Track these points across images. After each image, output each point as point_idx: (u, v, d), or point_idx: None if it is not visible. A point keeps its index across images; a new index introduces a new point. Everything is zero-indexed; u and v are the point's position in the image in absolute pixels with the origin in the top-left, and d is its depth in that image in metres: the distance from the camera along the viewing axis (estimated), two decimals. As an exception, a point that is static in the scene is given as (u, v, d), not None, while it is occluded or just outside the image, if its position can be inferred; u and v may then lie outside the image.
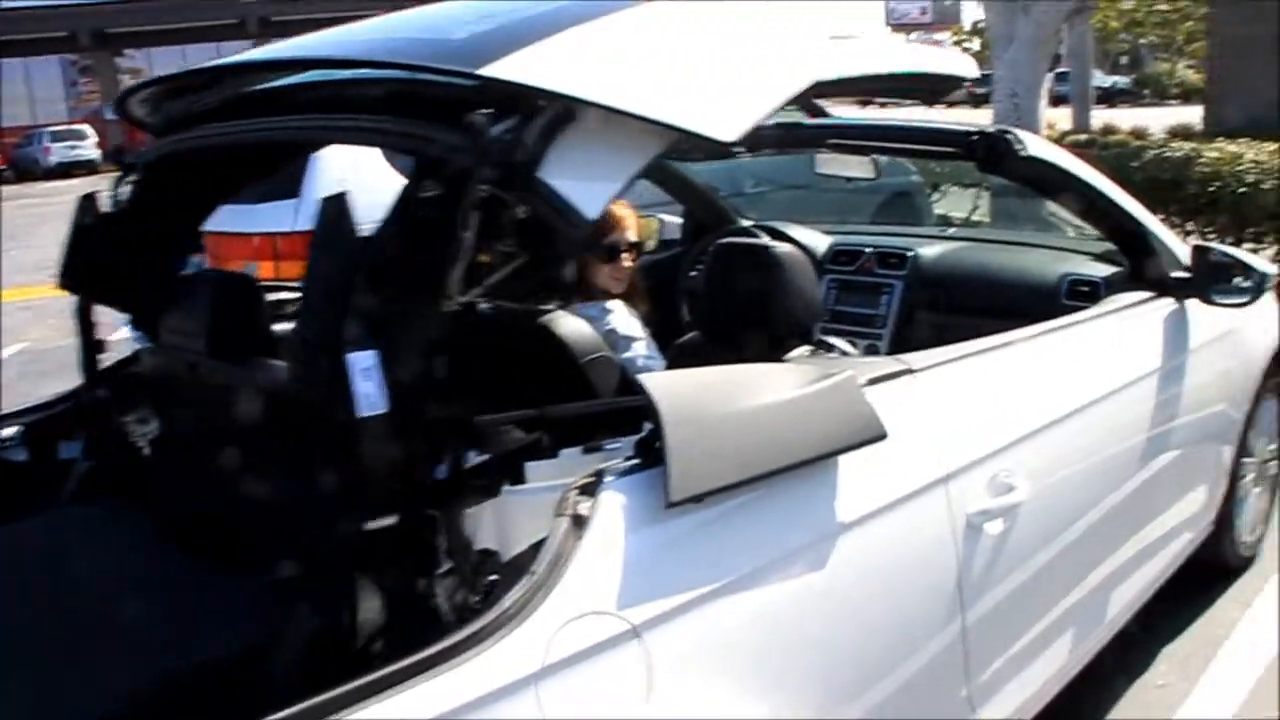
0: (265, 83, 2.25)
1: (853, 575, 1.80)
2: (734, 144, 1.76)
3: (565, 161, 1.67)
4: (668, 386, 1.64)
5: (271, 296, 2.67)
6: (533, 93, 1.66)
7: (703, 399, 1.67)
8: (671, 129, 1.73)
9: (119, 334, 2.82)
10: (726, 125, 1.75)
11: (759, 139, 3.50)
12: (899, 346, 3.20)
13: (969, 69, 2.41)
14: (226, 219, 4.70)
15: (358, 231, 1.83)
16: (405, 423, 1.66)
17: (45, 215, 20.12)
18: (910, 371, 2.05)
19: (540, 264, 1.74)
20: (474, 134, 1.61)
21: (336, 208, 1.84)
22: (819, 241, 3.84)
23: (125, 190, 2.35)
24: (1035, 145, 2.63)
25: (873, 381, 1.93)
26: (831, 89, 2.23)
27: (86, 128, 33.95)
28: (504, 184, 1.61)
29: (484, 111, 1.62)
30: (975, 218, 6.07)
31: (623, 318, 2.82)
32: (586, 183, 1.68)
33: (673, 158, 3.41)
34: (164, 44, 33.99)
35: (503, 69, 1.66)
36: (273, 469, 1.92)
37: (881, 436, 1.76)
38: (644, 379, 1.63)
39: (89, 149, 32.36)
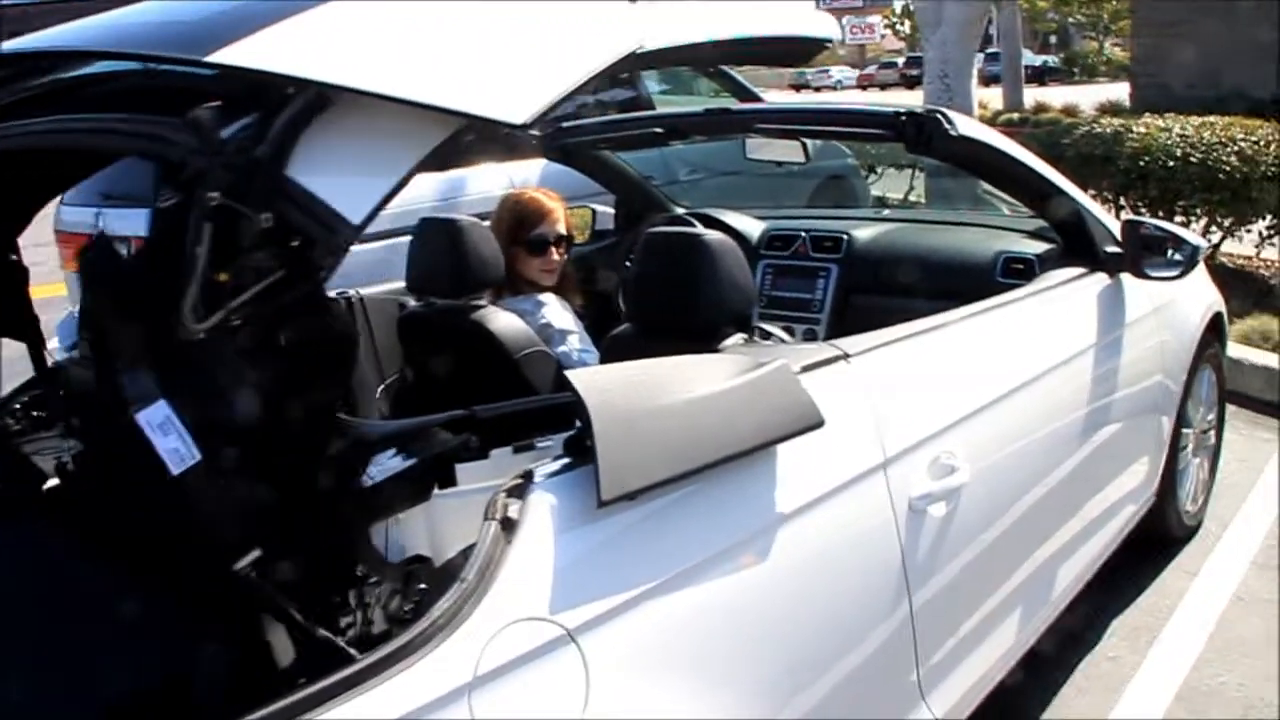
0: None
1: (795, 567, 1.77)
2: (525, 127, 1.56)
3: (320, 157, 1.46)
4: (596, 382, 1.59)
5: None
6: (272, 79, 1.44)
7: (632, 394, 1.62)
8: (450, 114, 1.52)
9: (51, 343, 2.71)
10: (516, 106, 1.55)
11: (688, 125, 3.49)
12: (837, 331, 3.18)
13: (827, 29, 2.30)
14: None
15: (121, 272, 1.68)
16: (239, 459, 1.53)
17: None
18: (846, 357, 2.02)
19: (297, 279, 1.49)
20: (198, 130, 1.41)
21: (99, 252, 1.70)
22: (753, 227, 3.81)
23: None
24: (965, 125, 2.61)
25: (807, 368, 1.89)
26: (658, 59, 2.12)
27: None
28: (240, 186, 1.40)
29: (212, 105, 1.42)
30: (912, 198, 6.10)
31: (556, 311, 2.78)
32: (348, 181, 1.47)
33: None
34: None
35: (236, 53, 1.42)
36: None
37: (819, 424, 1.73)
38: (571, 375, 1.58)
39: None
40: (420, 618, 1.36)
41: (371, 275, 3.31)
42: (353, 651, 1.50)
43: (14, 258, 2.00)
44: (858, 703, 1.89)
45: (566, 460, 1.56)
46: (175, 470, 1.45)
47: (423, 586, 1.53)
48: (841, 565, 1.89)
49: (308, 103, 1.45)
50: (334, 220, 1.41)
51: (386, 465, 1.66)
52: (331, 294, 1.98)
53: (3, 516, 1.96)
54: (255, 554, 1.52)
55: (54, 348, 2.79)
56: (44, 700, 1.64)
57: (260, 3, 1.59)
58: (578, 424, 1.57)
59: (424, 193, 4.73)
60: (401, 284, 2.87)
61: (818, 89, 47.00)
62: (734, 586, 1.68)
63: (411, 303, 2.75)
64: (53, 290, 5.80)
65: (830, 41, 2.29)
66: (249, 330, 1.49)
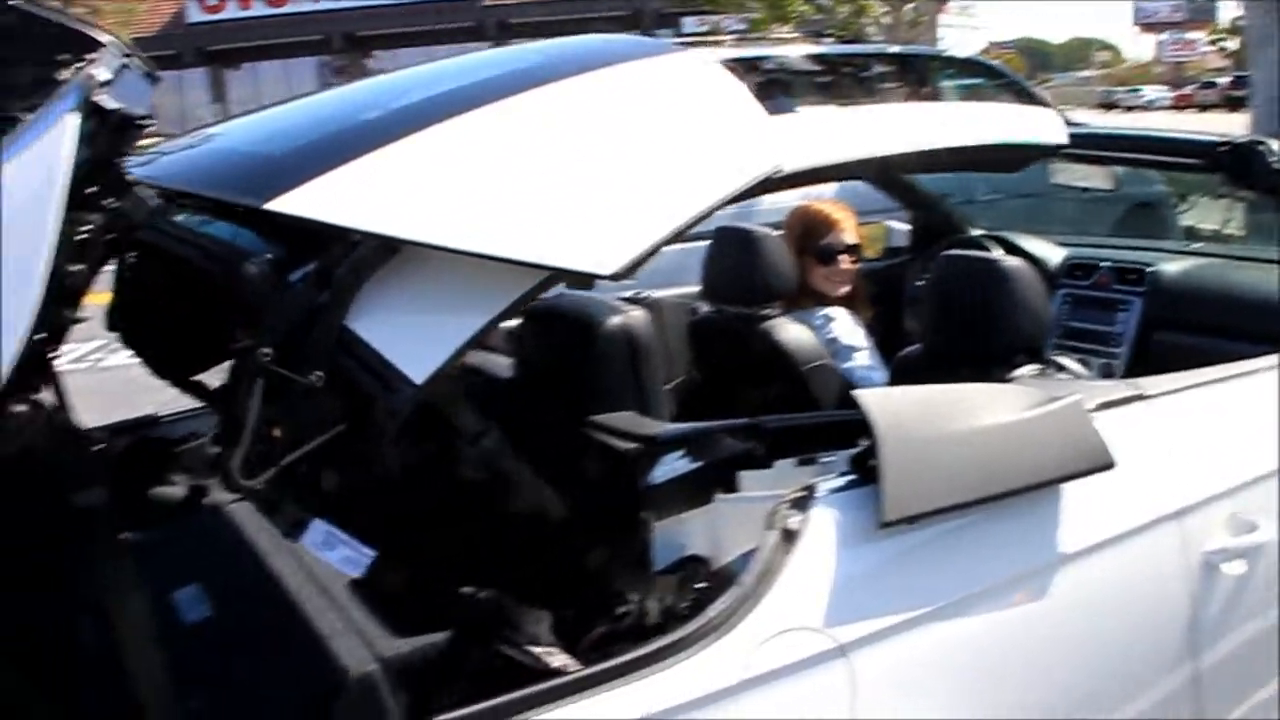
0: None
1: (1072, 610, 1.72)
2: (618, 277, 1.39)
3: (383, 309, 1.36)
4: (886, 403, 1.60)
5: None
6: (331, 230, 1.34)
7: (922, 417, 1.62)
8: (528, 266, 1.38)
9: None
10: (607, 254, 1.39)
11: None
12: (1136, 367, 3.04)
13: (1053, 133, 2.03)
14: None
15: None
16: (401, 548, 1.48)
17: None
18: (1143, 397, 1.94)
19: (362, 434, 1.40)
20: (250, 284, 1.35)
21: None
22: (1053, 254, 3.69)
23: None
24: (1293, 157, 2.45)
25: (1102, 406, 1.84)
26: (810, 178, 1.78)
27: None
28: (298, 336, 1.32)
29: (265, 258, 1.35)
30: (1226, 231, 5.70)
31: (845, 326, 2.80)
32: (414, 335, 1.36)
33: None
34: (409, 46, 35.66)
35: (297, 200, 1.32)
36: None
37: (1109, 466, 1.68)
38: (861, 395, 1.60)
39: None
40: (696, 616, 1.42)
41: (668, 279, 3.43)
42: (658, 624, 1.56)
43: None
44: None
45: (850, 477, 1.58)
46: (355, 573, 1.42)
47: (700, 586, 1.59)
48: (1123, 615, 1.82)
49: (373, 250, 1.36)
50: (394, 378, 1.31)
51: (673, 466, 1.73)
52: (628, 294, 2.07)
53: None
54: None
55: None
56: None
57: (346, 129, 1.54)
58: (863, 442, 1.59)
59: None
60: (695, 288, 2.96)
61: (1128, 109, 44.56)
62: (1009, 622, 1.65)
63: (704, 308, 2.82)
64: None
65: (1059, 149, 2.08)
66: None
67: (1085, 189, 3.28)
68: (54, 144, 1.10)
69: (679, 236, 1.45)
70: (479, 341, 1.38)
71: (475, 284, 1.37)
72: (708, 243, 2.82)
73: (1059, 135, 2.03)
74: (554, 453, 1.83)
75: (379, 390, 1.29)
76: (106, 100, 1.13)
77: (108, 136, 1.15)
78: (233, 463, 1.31)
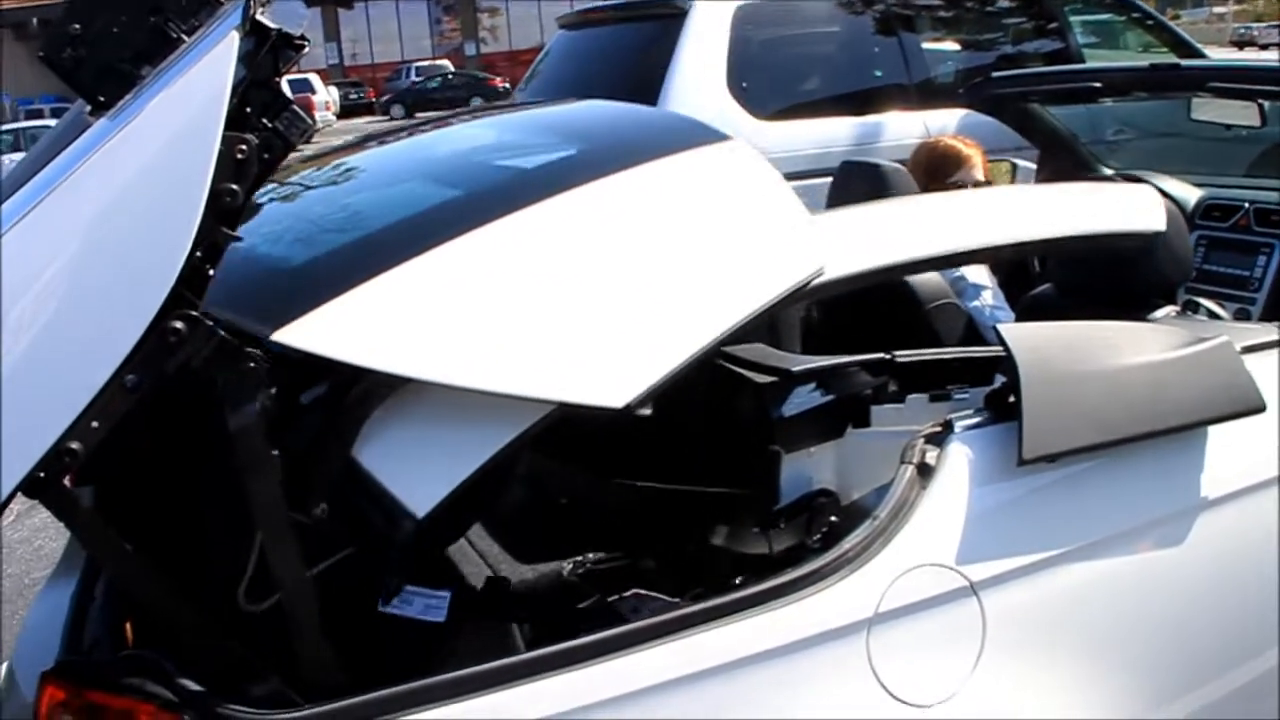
0: None
1: (1210, 557, 1.68)
2: (629, 410, 1.32)
3: (388, 440, 1.34)
4: (1028, 339, 1.57)
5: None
6: (337, 365, 1.30)
7: (1064, 355, 1.58)
8: (533, 402, 1.32)
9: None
10: (617, 385, 1.32)
11: (1130, 81, 3.29)
12: (1273, 313, 2.93)
13: (1150, 219, 1.81)
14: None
15: None
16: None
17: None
18: None
19: (369, 559, 1.42)
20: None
21: None
22: (1189, 194, 3.55)
23: None
24: None
25: (1249, 349, 1.77)
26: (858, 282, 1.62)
27: (447, 63, 36.28)
28: (305, 464, 1.31)
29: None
30: (1372, 175, 5.43)
31: (972, 265, 2.74)
32: (418, 467, 1.33)
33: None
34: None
35: (304, 332, 1.26)
36: None
37: (1260, 409, 1.63)
38: (1004, 329, 1.56)
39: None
40: (830, 549, 1.42)
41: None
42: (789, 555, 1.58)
43: None
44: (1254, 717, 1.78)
45: (987, 414, 1.56)
46: (439, 618, 1.44)
47: (833, 519, 1.58)
48: (1261, 564, 1.77)
49: (380, 381, 1.35)
50: (395, 510, 1.29)
51: (806, 399, 1.72)
52: None
53: None
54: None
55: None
56: None
57: (361, 242, 1.51)
58: (1000, 379, 1.56)
59: (838, 136, 4.75)
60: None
61: (1264, 47, 42.56)
62: (1144, 567, 1.62)
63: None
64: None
65: (1159, 234, 1.84)
66: None
67: (1229, 126, 3.14)
68: (217, 62, 1.11)
69: (704, 359, 1.38)
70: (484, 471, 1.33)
71: (483, 416, 1.33)
72: (823, 181, 2.78)
73: (1156, 221, 1.84)
74: (686, 384, 1.83)
75: (382, 523, 1.27)
76: (266, 19, 1.15)
77: (267, 56, 1.17)
78: (240, 588, 1.38)
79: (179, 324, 1.13)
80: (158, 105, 1.15)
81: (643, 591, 1.40)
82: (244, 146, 1.15)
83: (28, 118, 24.89)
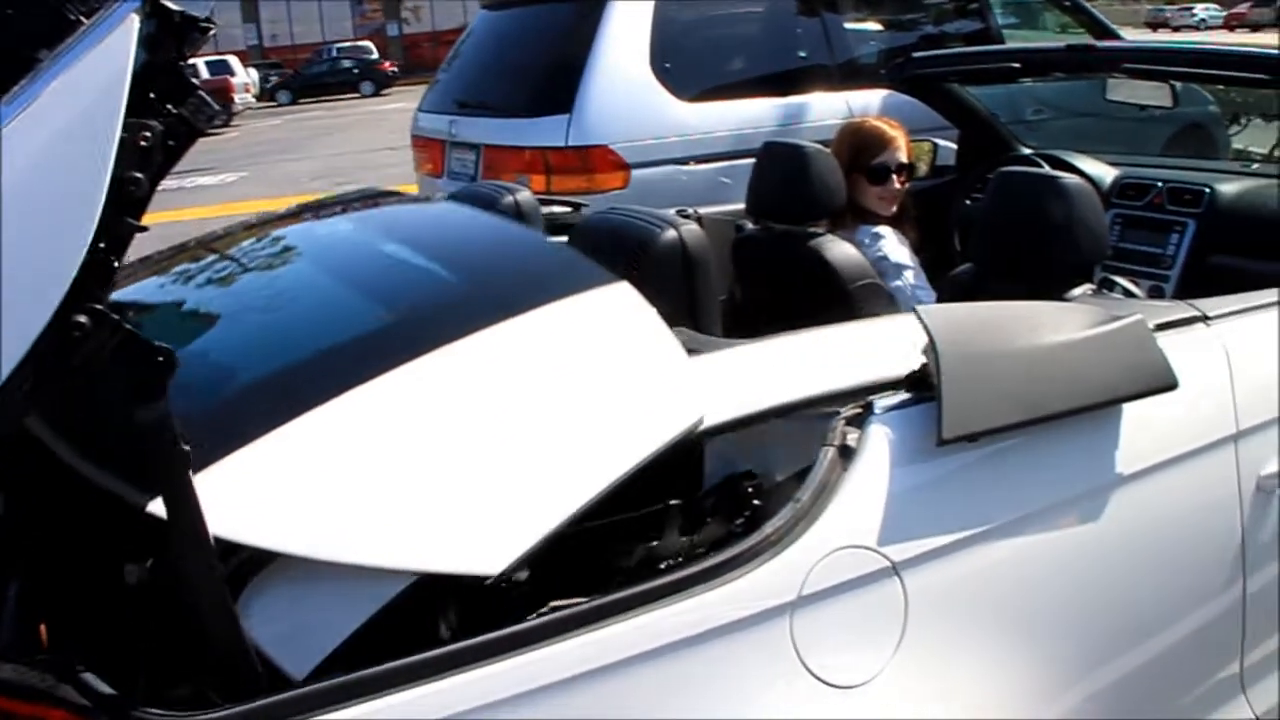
0: None
1: (1126, 532, 1.71)
2: (501, 577, 1.31)
3: (266, 607, 1.32)
4: (945, 319, 1.58)
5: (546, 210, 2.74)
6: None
7: (982, 334, 1.60)
8: (400, 574, 1.31)
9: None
10: (489, 553, 1.30)
11: (1048, 61, 3.33)
12: (1185, 291, 2.99)
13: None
14: (500, 132, 4.88)
15: None
16: None
17: (326, 128, 21.40)
18: (1204, 319, 1.91)
19: None
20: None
21: None
22: (1104, 173, 3.61)
23: None
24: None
25: (1162, 327, 1.80)
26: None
27: (369, 44, 35.83)
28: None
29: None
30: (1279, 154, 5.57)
31: (893, 244, 2.76)
32: (296, 634, 1.31)
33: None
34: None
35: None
36: None
37: (1172, 386, 1.65)
38: (921, 310, 1.57)
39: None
40: (752, 532, 1.41)
41: (710, 197, 3.38)
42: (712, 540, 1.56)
43: None
44: (1171, 684, 1.83)
45: (907, 395, 1.56)
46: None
47: (756, 503, 1.58)
48: (1175, 537, 1.81)
49: (250, 555, 1.34)
50: (276, 676, 1.27)
51: (725, 382, 1.71)
52: (673, 210, 2.03)
53: None
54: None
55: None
56: None
57: (235, 399, 1.52)
58: (920, 360, 1.56)
59: (761, 116, 4.76)
60: (738, 206, 2.92)
61: (1176, 29, 43.47)
62: (1062, 543, 1.64)
63: (749, 225, 2.79)
64: (407, 190, 6.26)
65: None
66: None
67: (1142, 106, 3.19)
68: (116, 45, 1.07)
69: (580, 519, 1.36)
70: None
71: (352, 586, 1.31)
72: (745, 162, 2.78)
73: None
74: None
75: (263, 688, 1.23)
76: (168, 1, 1.10)
77: (170, 39, 1.13)
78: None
79: (82, 318, 1.08)
80: (54, 91, 1.10)
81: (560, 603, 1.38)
82: (148, 134, 1.10)
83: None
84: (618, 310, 1.61)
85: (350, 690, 1.17)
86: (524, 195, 2.56)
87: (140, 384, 1.14)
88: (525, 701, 1.23)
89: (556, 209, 2.90)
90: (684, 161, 4.61)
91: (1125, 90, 3.09)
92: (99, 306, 1.10)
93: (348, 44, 36.14)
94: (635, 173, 4.51)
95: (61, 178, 1.10)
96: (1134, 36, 8.80)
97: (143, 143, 1.10)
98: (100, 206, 1.07)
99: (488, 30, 5.57)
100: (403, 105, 16.78)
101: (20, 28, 1.18)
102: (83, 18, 1.15)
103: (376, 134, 17.49)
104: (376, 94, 32.20)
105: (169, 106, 1.13)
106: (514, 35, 5.32)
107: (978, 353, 1.56)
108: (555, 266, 1.71)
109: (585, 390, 1.52)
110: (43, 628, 1.42)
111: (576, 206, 2.96)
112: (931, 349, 1.51)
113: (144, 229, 1.14)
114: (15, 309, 1.06)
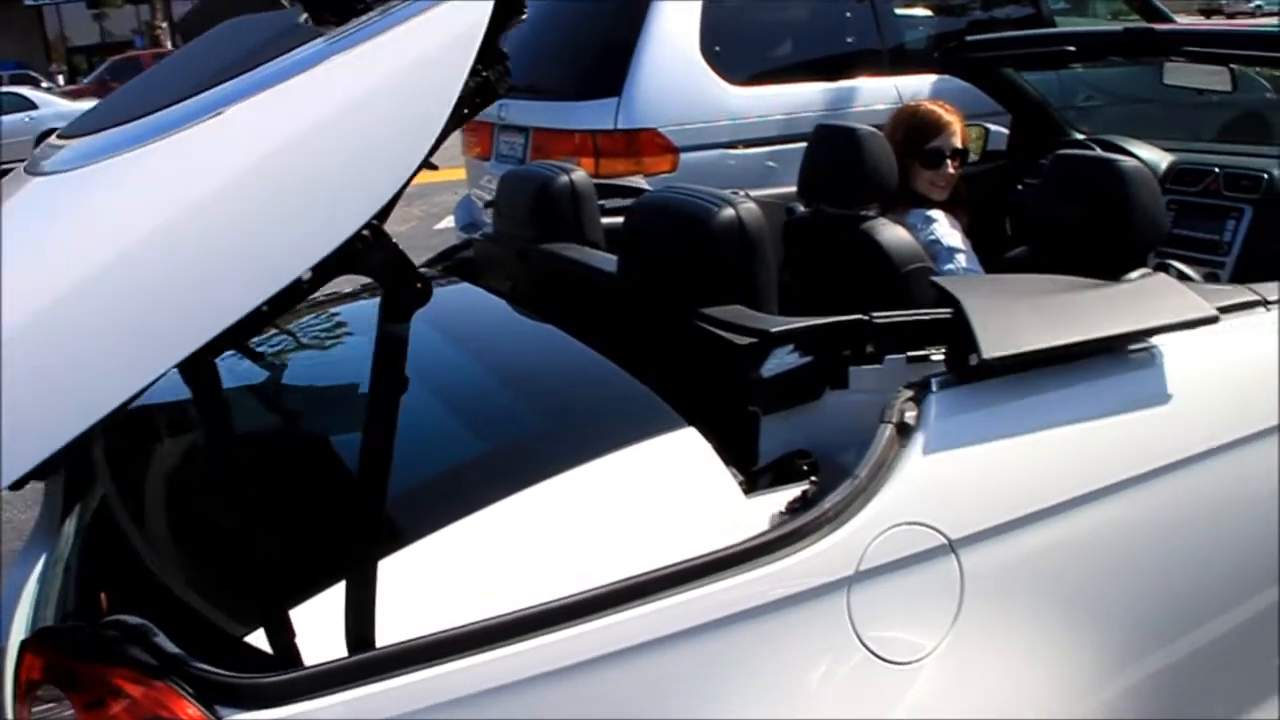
0: None
1: (1184, 515, 1.72)
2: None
3: None
4: (969, 284, 1.60)
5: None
6: None
7: (1006, 289, 1.65)
8: None
9: (443, 223, 2.98)
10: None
11: (1104, 45, 3.29)
12: (1241, 278, 2.96)
13: None
14: (549, 115, 4.89)
15: None
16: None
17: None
18: (1266, 303, 1.90)
19: None
20: None
21: None
22: (1159, 159, 3.57)
23: None
24: None
25: (1224, 310, 1.79)
26: None
27: None
28: None
29: None
30: (1337, 141, 5.47)
31: (945, 228, 2.75)
32: None
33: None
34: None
35: None
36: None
37: (1214, 319, 1.69)
38: (940, 282, 1.60)
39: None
40: (810, 508, 1.42)
41: (758, 181, 3.37)
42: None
43: None
44: (1212, 675, 1.82)
45: (959, 375, 1.57)
46: None
47: (813, 480, 1.59)
48: (1234, 522, 1.80)
49: None
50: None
51: (784, 361, 1.72)
52: (726, 191, 2.04)
53: None
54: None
55: (448, 226, 3.05)
56: None
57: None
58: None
59: (809, 101, 4.75)
60: (789, 189, 2.91)
61: (1231, 15, 42.67)
62: (1117, 524, 1.64)
63: (799, 208, 2.78)
64: (453, 174, 6.27)
65: None
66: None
67: (1201, 91, 3.16)
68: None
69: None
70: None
71: None
72: (796, 145, 2.77)
73: None
74: (662, 346, 1.82)
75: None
76: None
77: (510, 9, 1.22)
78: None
79: (366, 232, 1.14)
80: (413, 27, 1.17)
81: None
82: (471, 84, 1.18)
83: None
84: (686, 454, 1.57)
85: (425, 653, 1.20)
86: (579, 175, 2.56)
87: (395, 302, 1.20)
88: (586, 670, 1.25)
89: (619, 200, 2.89)
90: (732, 145, 4.61)
91: (1183, 75, 3.05)
92: (379, 224, 1.16)
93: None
94: (683, 156, 4.52)
95: (414, 101, 1.16)
96: (1188, 22, 8.67)
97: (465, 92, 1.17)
98: (432, 141, 1.14)
99: (537, 13, 5.57)
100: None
101: None
102: None
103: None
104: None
105: (480, 68, 1.20)
106: (563, 18, 5.33)
107: (1002, 300, 1.63)
108: (637, 406, 1.67)
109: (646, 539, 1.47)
110: (103, 595, 1.45)
111: (639, 193, 2.97)
112: (954, 300, 1.58)
113: (434, 167, 1.23)
114: (338, 205, 1.12)
